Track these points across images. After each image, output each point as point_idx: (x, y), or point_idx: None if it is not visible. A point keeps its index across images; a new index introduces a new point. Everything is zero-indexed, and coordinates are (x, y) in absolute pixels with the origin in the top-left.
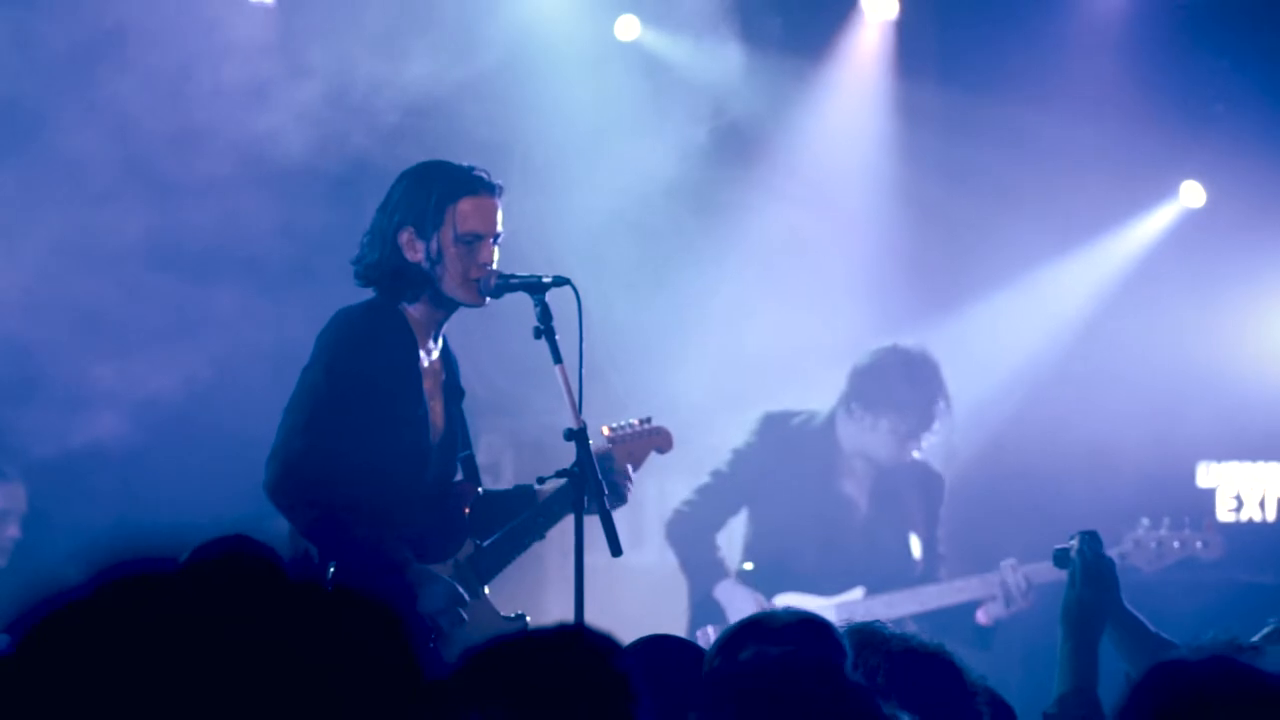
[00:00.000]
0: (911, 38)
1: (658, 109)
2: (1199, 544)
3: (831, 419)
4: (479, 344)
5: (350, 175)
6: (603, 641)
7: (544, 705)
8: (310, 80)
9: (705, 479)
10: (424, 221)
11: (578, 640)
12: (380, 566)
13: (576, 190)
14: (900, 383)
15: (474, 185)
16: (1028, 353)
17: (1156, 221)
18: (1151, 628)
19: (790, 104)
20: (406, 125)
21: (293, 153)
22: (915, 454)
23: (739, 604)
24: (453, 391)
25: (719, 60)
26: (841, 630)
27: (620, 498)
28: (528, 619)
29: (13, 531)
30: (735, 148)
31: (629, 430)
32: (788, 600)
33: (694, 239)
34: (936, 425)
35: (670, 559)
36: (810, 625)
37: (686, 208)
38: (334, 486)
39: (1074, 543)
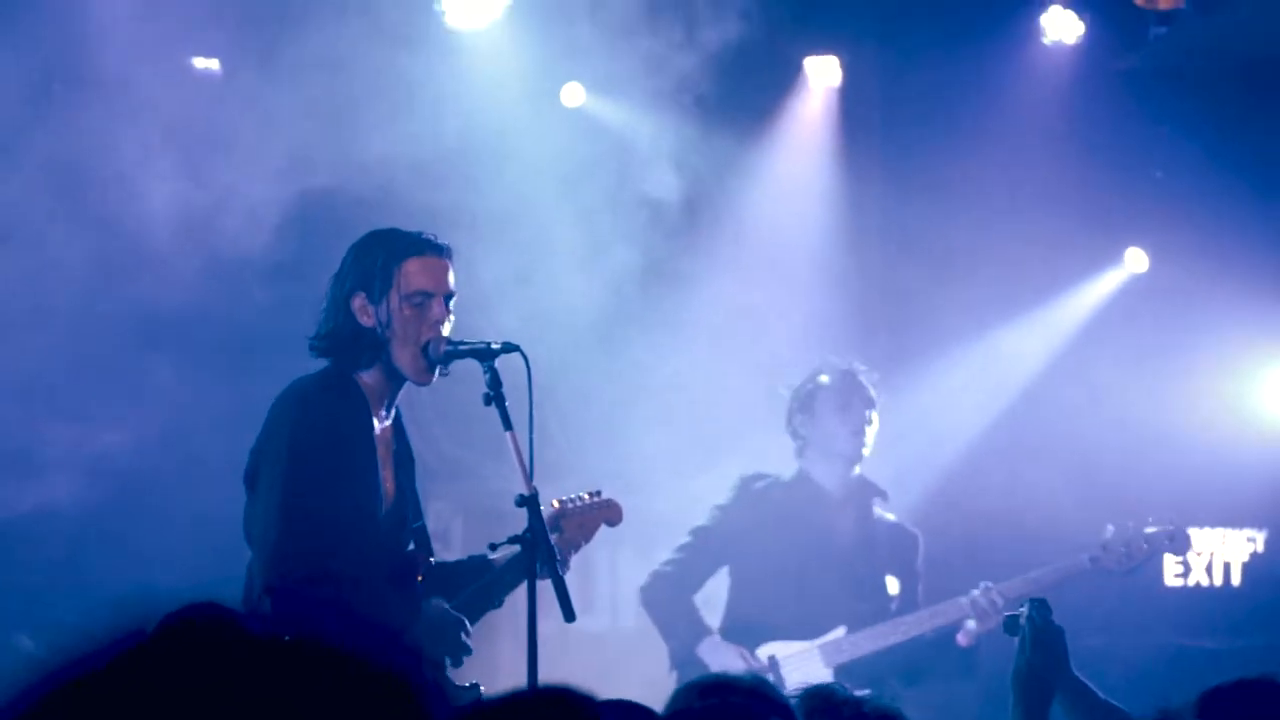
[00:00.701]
0: (855, 104)
1: (604, 175)
2: (1167, 541)
3: (800, 466)
4: (427, 411)
5: (298, 247)
6: (588, 704)
7: None
8: (256, 153)
9: (683, 539)
10: (372, 285)
11: (562, 703)
12: (390, 634)
13: (525, 255)
14: (817, 376)
15: (420, 246)
16: (972, 415)
17: (1101, 287)
18: (1100, 694)
19: (736, 170)
20: (352, 197)
21: (235, 227)
22: (882, 511)
23: (724, 659)
24: (404, 461)
25: (664, 126)
26: (795, 695)
27: (564, 566)
28: (481, 689)
29: None
30: (682, 213)
31: (579, 503)
32: (772, 650)
33: (643, 305)
34: (868, 389)
35: (623, 624)
36: (759, 686)
37: (635, 274)
38: (325, 569)
39: (1024, 610)
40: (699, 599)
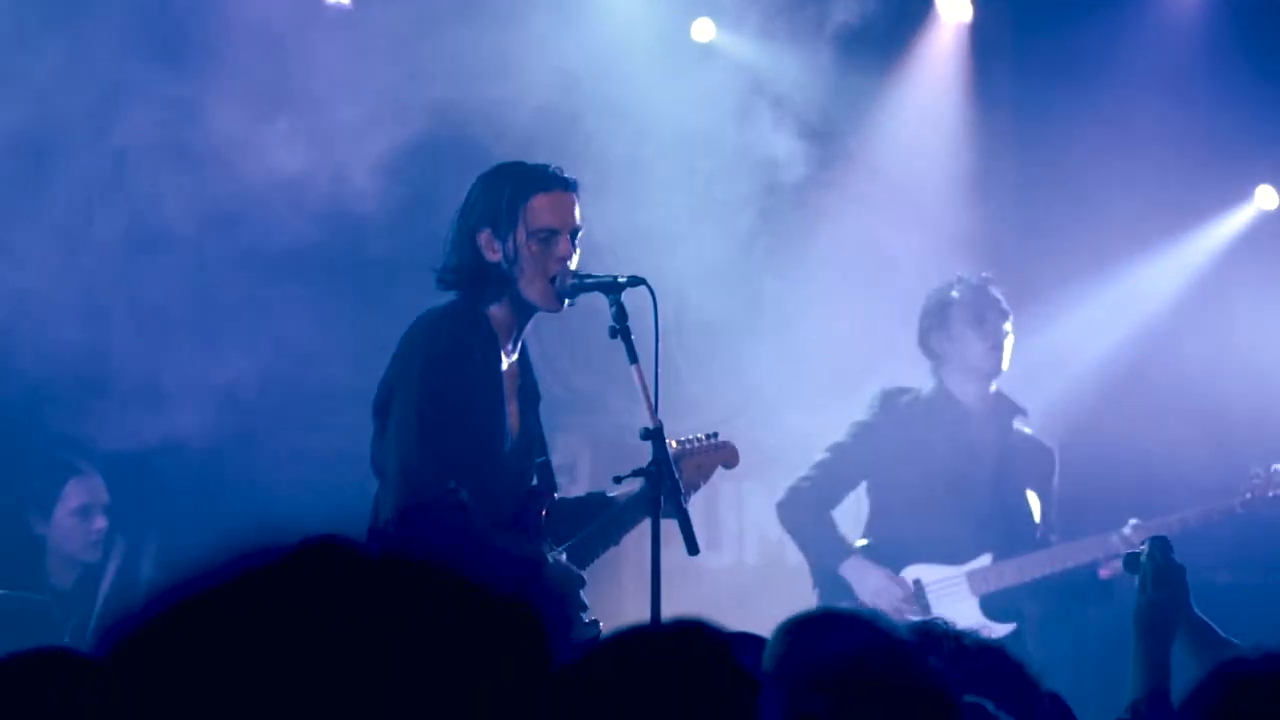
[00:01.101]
0: (987, 38)
1: (734, 110)
2: None
3: (937, 381)
4: (555, 344)
5: (424, 182)
6: (720, 636)
7: (666, 696)
8: (383, 89)
9: (820, 455)
10: (499, 220)
11: (695, 634)
12: (519, 565)
13: (652, 191)
14: (948, 288)
15: (547, 181)
16: (1101, 353)
17: (1231, 224)
18: (1220, 633)
19: (867, 106)
20: (478, 135)
21: (360, 162)
22: (1020, 426)
23: (868, 580)
24: (529, 396)
25: (793, 61)
26: (903, 626)
27: (679, 508)
28: (601, 626)
29: (100, 524)
30: (812, 148)
31: (696, 445)
32: (916, 572)
33: (770, 240)
34: (1003, 301)
35: (748, 560)
36: (872, 619)
37: (763, 209)
38: (457, 495)
39: (1144, 548)
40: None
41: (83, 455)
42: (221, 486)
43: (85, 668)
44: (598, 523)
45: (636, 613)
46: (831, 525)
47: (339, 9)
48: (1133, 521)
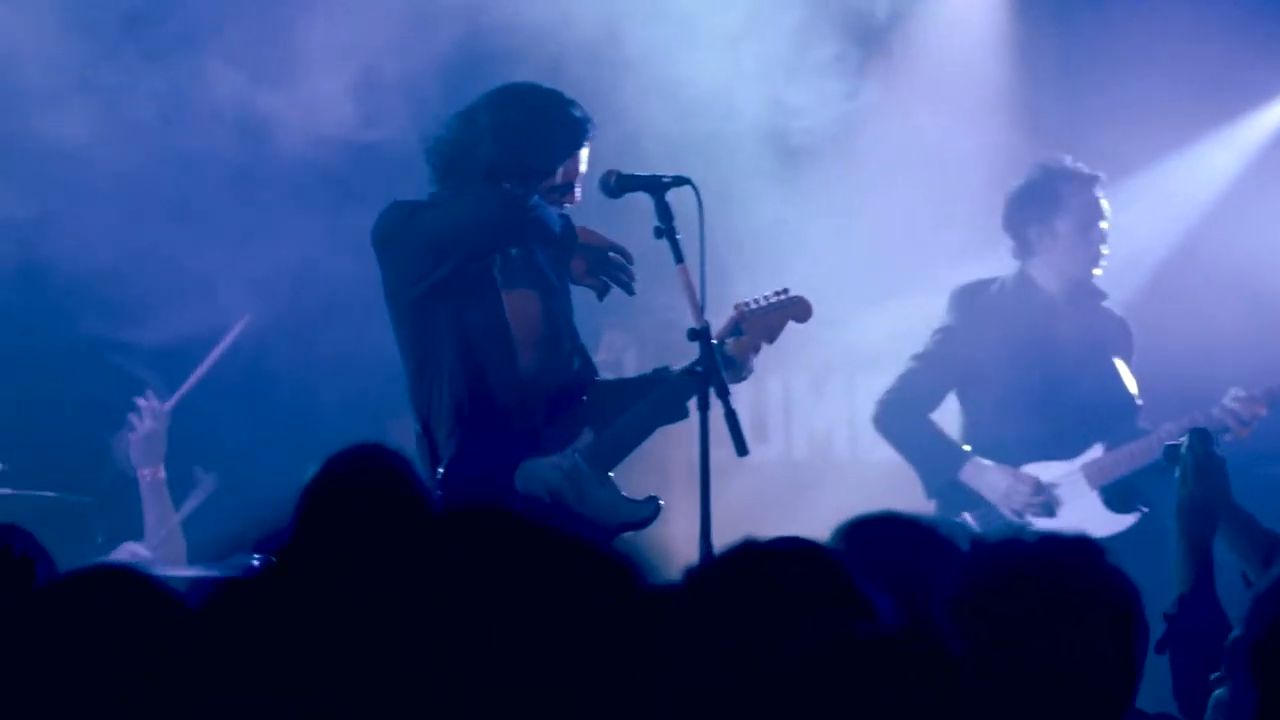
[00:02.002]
0: None
1: (775, 6)
2: None
3: (1021, 269)
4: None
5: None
6: (822, 548)
7: (778, 609)
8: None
9: (908, 364)
10: (532, 171)
11: (804, 549)
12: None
13: (698, 83)
14: (1058, 179)
15: (584, 135)
16: (1156, 243)
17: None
18: (1262, 525)
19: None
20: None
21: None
22: (1109, 305)
23: (994, 481)
24: (555, 285)
25: None
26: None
27: (746, 371)
28: (660, 501)
29: (163, 446)
30: (855, 45)
31: (760, 304)
32: (1034, 472)
33: (816, 136)
34: (1106, 209)
35: (796, 455)
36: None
37: (806, 105)
38: None
39: (1184, 440)
40: None
41: (148, 368)
42: (273, 381)
43: (164, 600)
44: (647, 400)
45: (688, 509)
46: (938, 431)
47: None
48: (1233, 391)
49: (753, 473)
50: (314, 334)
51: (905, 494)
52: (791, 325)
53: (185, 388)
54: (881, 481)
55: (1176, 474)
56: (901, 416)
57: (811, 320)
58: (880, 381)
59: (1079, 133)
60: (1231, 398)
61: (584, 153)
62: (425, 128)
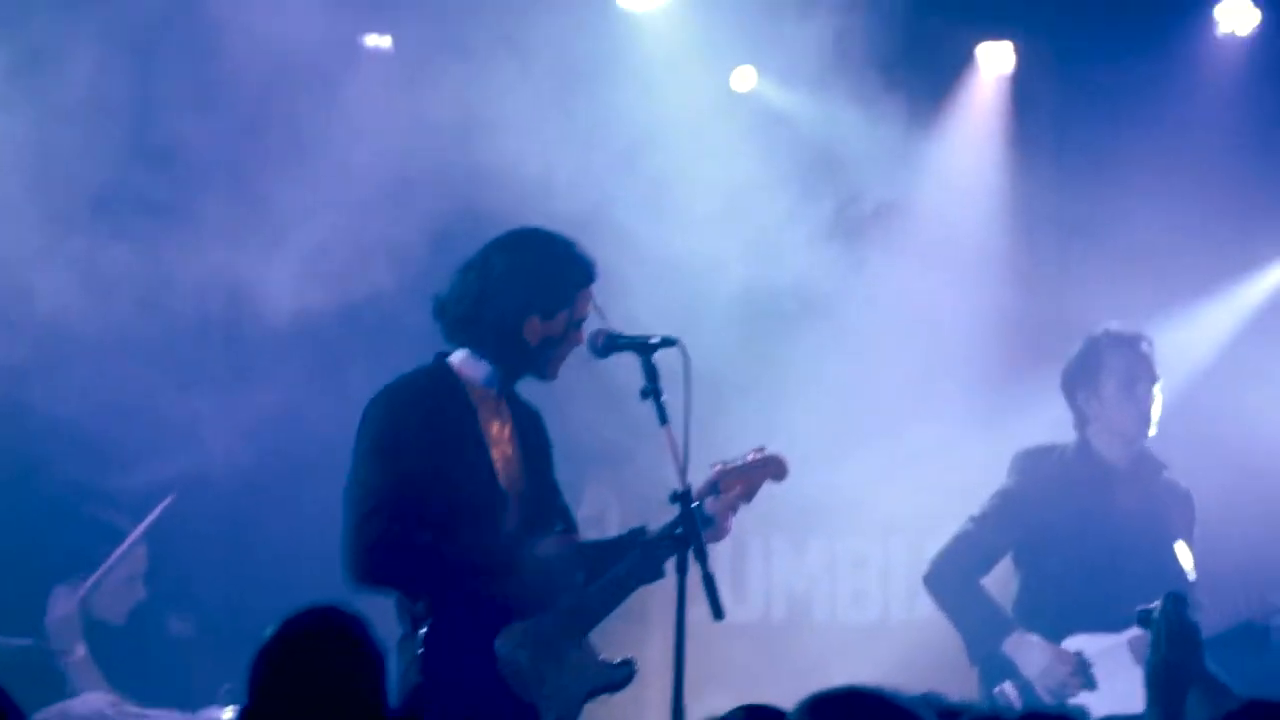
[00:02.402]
0: (1028, 89)
1: (773, 160)
2: None
3: (1081, 438)
4: (587, 396)
5: (452, 230)
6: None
7: None
8: (424, 134)
9: (964, 525)
10: (551, 305)
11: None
12: (493, 569)
13: (688, 241)
14: (1100, 345)
15: (592, 273)
16: None
17: (1270, 280)
18: (1234, 691)
19: (907, 157)
20: (515, 180)
21: (390, 209)
22: (1167, 473)
23: (1033, 657)
24: (534, 442)
25: (834, 111)
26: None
27: (722, 532)
28: (635, 665)
29: (140, 593)
30: (850, 200)
31: (740, 464)
32: (1077, 643)
33: (808, 292)
34: (1154, 363)
35: (775, 615)
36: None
37: (800, 260)
38: (415, 544)
39: (1157, 605)
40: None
41: (127, 517)
42: (249, 526)
43: None
44: (625, 562)
45: (664, 669)
46: (988, 598)
47: (379, 51)
48: None
49: (731, 633)
50: (299, 482)
51: (883, 657)
52: (772, 485)
53: (100, 572)
54: (860, 644)
55: (1150, 638)
56: (953, 578)
57: (795, 482)
58: (860, 543)
59: (1073, 294)
60: None
61: (591, 290)
62: (424, 288)
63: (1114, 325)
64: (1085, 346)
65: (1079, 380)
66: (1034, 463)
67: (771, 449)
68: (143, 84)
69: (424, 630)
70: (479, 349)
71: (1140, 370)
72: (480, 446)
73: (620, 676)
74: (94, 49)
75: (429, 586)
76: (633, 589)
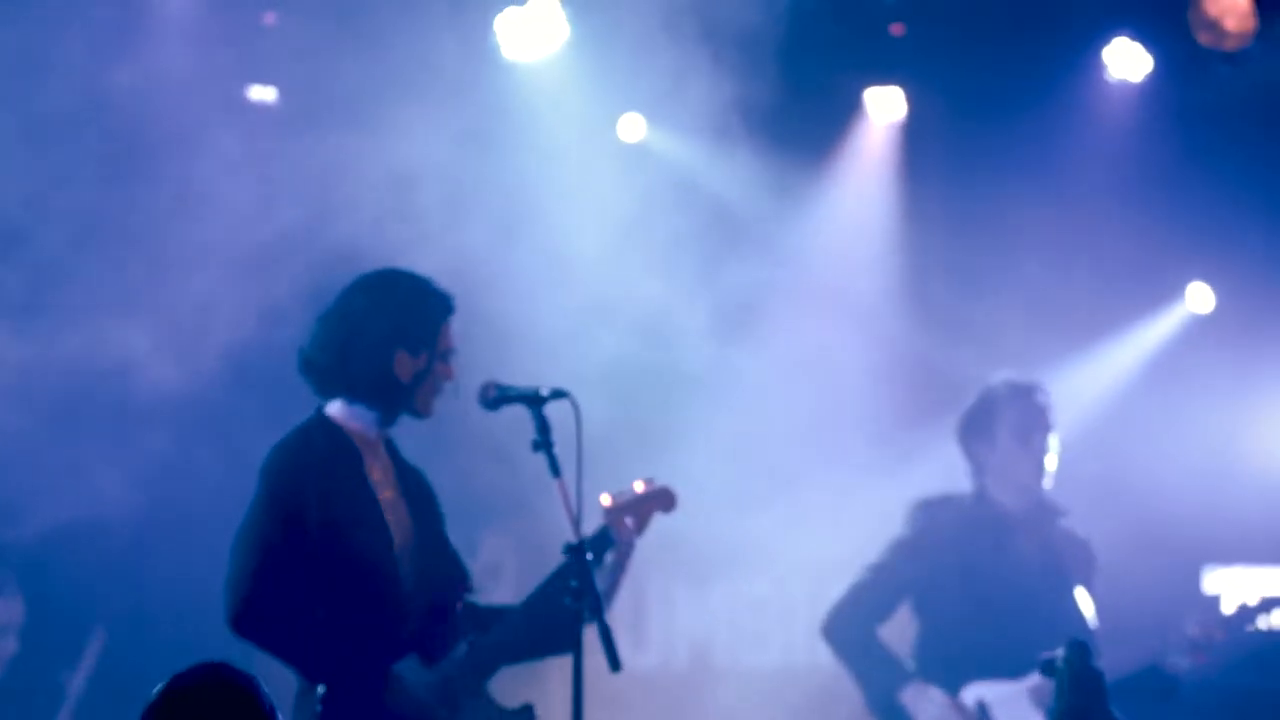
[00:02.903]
0: (919, 137)
1: (661, 209)
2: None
3: (977, 486)
4: (480, 446)
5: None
6: None
7: None
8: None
9: (861, 575)
10: (417, 340)
11: None
12: (363, 673)
13: (581, 292)
14: (995, 395)
15: (451, 304)
16: None
17: (1163, 325)
18: None
19: (798, 205)
20: (396, 231)
21: (284, 260)
22: (1066, 525)
23: (929, 709)
24: (416, 492)
25: (722, 159)
26: None
27: (621, 566)
28: (534, 710)
29: (11, 646)
30: (741, 248)
31: (630, 495)
32: (977, 691)
33: (704, 341)
34: (1049, 413)
35: (675, 663)
36: None
37: (695, 310)
38: (294, 611)
39: (1059, 652)
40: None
41: (7, 568)
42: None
43: None
44: (528, 612)
45: (562, 712)
46: (884, 649)
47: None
48: (1194, 615)
49: (631, 680)
50: (189, 533)
51: (786, 702)
52: (674, 526)
53: None
54: (762, 689)
55: (1054, 686)
56: (850, 628)
57: (694, 528)
58: (760, 587)
59: (966, 342)
60: (1190, 623)
61: (452, 320)
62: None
63: (1009, 375)
64: (981, 396)
65: (974, 430)
66: (931, 512)
67: (659, 480)
68: None
69: (321, 690)
70: (352, 395)
71: (1035, 420)
72: (369, 493)
73: None
74: None
75: (300, 657)
76: (538, 653)
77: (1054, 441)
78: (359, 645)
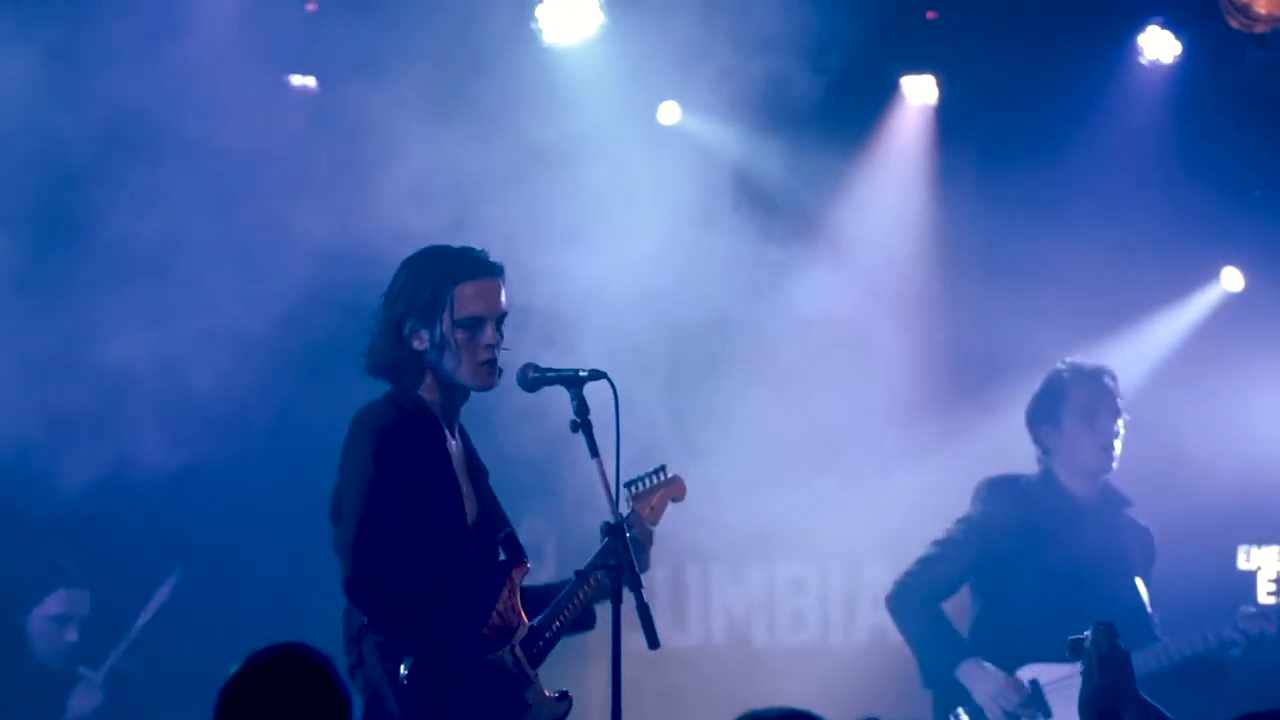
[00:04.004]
0: (952, 119)
1: (699, 194)
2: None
3: (1045, 470)
4: (522, 427)
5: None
6: None
7: None
8: (350, 163)
9: (928, 549)
10: (425, 309)
11: None
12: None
13: (618, 276)
14: (1061, 379)
15: (473, 268)
16: None
17: (1197, 306)
18: (1168, 715)
19: (833, 188)
20: (440, 216)
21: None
22: (1129, 507)
23: (984, 684)
24: (479, 472)
25: (760, 144)
26: None
27: (645, 563)
28: (570, 697)
29: (71, 636)
30: (777, 231)
31: (646, 485)
32: (1033, 673)
33: (738, 322)
34: (1119, 399)
35: (715, 641)
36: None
37: (730, 292)
38: (408, 585)
39: (1087, 634)
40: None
41: (78, 565)
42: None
43: None
44: (566, 590)
45: (603, 696)
46: (946, 624)
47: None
48: (1244, 609)
49: (671, 660)
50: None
51: (823, 680)
52: (714, 508)
53: (115, 655)
54: (800, 668)
55: (1081, 668)
56: (914, 601)
57: (731, 509)
58: (798, 568)
59: (1001, 324)
60: (1243, 615)
61: (476, 286)
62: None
63: (1076, 358)
64: (1047, 380)
65: (1041, 414)
66: (999, 492)
67: (672, 470)
68: None
69: (407, 664)
70: (389, 377)
71: (1101, 404)
72: (449, 466)
73: (560, 711)
74: None
75: (403, 627)
76: (571, 628)
77: (1121, 425)
78: (450, 621)
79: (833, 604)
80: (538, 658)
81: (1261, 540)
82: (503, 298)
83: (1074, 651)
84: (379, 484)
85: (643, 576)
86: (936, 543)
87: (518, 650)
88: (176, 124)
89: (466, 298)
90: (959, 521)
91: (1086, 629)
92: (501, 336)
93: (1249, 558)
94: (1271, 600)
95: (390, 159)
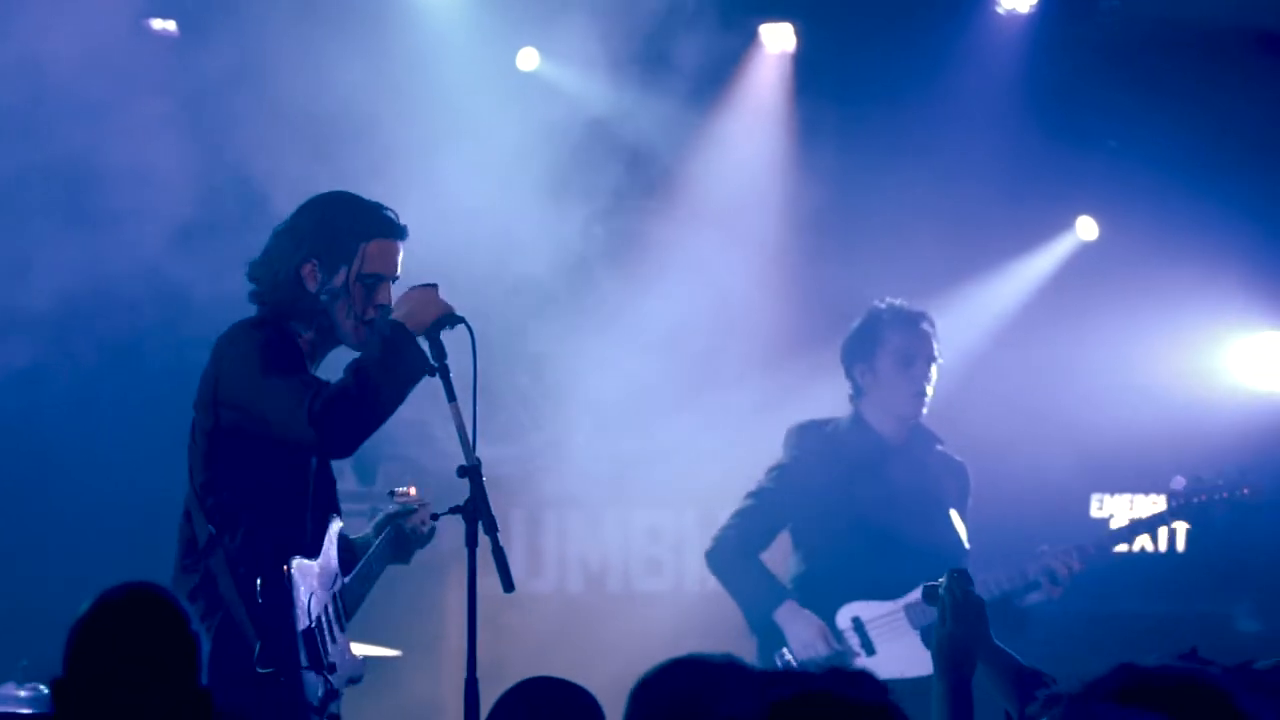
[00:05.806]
0: (809, 68)
1: (558, 140)
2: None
3: (855, 411)
4: None
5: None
6: None
7: None
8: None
9: (743, 502)
10: (331, 255)
11: None
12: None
13: (482, 221)
14: (880, 320)
15: (385, 227)
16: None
17: (1052, 254)
18: (1023, 662)
19: (691, 136)
20: (298, 151)
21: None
22: (941, 446)
23: (797, 630)
24: None
25: (617, 91)
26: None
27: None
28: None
29: None
30: (636, 176)
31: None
32: (854, 610)
33: (602, 265)
34: (933, 343)
35: (570, 588)
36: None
37: (589, 235)
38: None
39: (942, 581)
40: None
41: None
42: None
43: None
44: (378, 546)
45: (459, 641)
46: (762, 571)
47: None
48: (1044, 548)
49: (527, 606)
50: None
51: (677, 626)
52: (560, 456)
53: None
54: (654, 615)
55: (935, 614)
56: (732, 554)
57: (588, 456)
58: (654, 514)
59: (857, 272)
60: (1047, 552)
61: (383, 245)
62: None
63: (896, 301)
64: (865, 319)
65: (857, 353)
66: (807, 436)
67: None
68: None
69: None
70: (263, 302)
71: (918, 349)
72: None
73: (359, 674)
74: None
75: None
76: (380, 569)
77: (934, 371)
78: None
79: (687, 551)
80: (350, 609)
81: (1114, 489)
82: (400, 259)
83: (929, 598)
84: (273, 350)
85: (498, 520)
86: (750, 494)
87: (340, 600)
88: None
89: (373, 255)
90: (770, 470)
91: (902, 566)
92: (390, 300)
93: (1101, 506)
94: (1123, 548)
95: (247, 103)
